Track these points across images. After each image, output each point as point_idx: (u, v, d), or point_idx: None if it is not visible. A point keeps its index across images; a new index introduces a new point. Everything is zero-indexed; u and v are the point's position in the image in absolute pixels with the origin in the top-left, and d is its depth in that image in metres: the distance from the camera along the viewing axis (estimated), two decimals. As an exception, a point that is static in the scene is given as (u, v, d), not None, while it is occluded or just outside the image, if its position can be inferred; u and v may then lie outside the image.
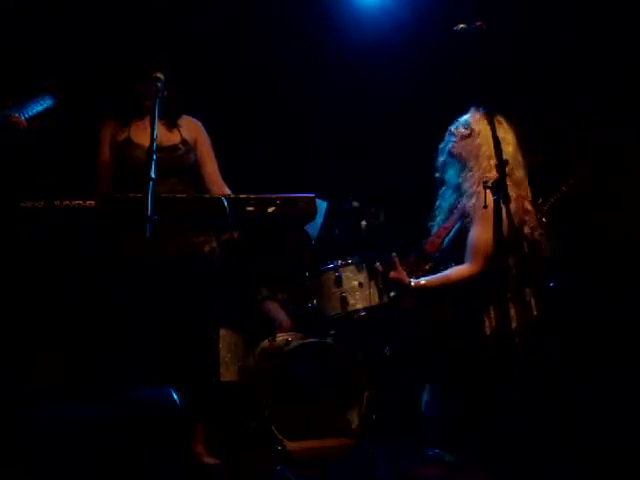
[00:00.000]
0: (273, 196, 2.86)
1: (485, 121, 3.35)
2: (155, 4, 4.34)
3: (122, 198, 2.82)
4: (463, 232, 3.42)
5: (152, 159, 2.74)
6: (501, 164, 2.90)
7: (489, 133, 3.03)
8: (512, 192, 3.16)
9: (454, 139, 3.53)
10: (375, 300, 3.78)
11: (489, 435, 3.16)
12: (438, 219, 3.64)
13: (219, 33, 4.62)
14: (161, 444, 2.53)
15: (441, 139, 3.66)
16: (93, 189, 3.37)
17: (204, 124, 3.59)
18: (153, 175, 2.69)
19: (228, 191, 3.46)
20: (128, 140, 3.39)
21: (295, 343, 3.82)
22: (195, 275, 3.36)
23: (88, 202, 2.77)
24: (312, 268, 3.96)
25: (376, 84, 4.74)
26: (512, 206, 2.96)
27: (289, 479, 3.23)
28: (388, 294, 3.64)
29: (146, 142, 3.19)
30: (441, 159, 3.60)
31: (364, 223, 3.66)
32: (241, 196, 2.86)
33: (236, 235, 3.17)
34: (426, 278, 3.43)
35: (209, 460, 3.41)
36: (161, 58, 3.32)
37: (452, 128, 3.57)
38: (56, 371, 3.52)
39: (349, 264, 3.85)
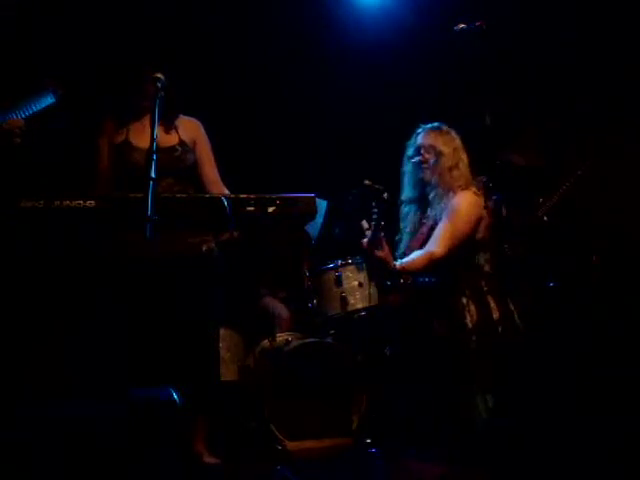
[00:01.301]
0: (273, 196, 2.85)
1: (444, 137, 3.75)
2: (155, 4, 4.34)
3: (122, 198, 2.82)
4: None
5: (152, 159, 2.74)
6: (501, 164, 2.95)
7: (450, 148, 3.66)
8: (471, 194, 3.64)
9: (425, 166, 3.77)
10: (375, 300, 3.78)
11: (488, 434, 3.17)
12: (405, 231, 3.89)
13: (219, 33, 4.62)
14: (161, 444, 2.53)
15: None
16: (92, 191, 3.37)
17: (204, 124, 3.58)
18: (153, 175, 2.69)
19: (227, 191, 3.46)
20: (126, 142, 3.39)
21: (295, 343, 3.82)
22: (195, 275, 3.36)
23: (88, 202, 2.77)
24: (312, 268, 3.96)
25: (376, 84, 4.74)
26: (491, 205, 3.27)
27: (289, 479, 3.23)
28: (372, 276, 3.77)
29: (144, 144, 3.20)
30: (408, 183, 3.88)
31: (364, 223, 3.65)
32: (241, 196, 2.85)
33: (236, 235, 3.16)
34: (405, 260, 3.65)
35: (209, 460, 3.41)
36: (160, 58, 3.32)
37: (410, 153, 3.85)
38: (56, 371, 3.52)
39: (349, 264, 3.86)
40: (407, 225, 3.88)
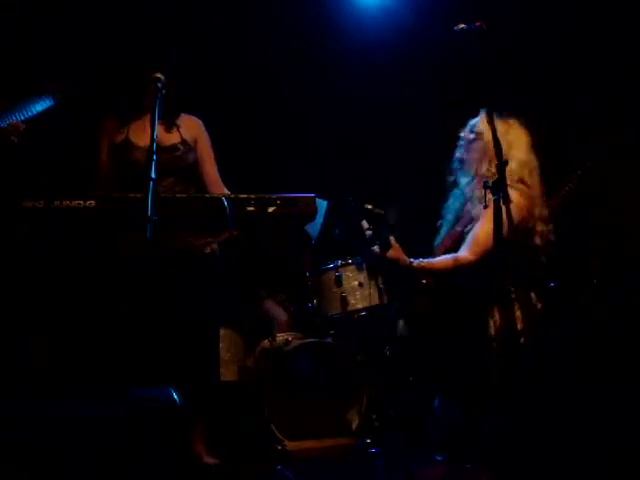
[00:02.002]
0: (273, 196, 2.86)
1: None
2: (155, 4, 4.34)
3: (122, 198, 2.82)
4: None
5: (152, 159, 2.74)
6: (500, 165, 2.89)
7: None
8: (515, 194, 3.20)
9: (462, 144, 3.53)
10: (375, 300, 3.78)
11: (490, 435, 3.16)
12: (447, 218, 3.62)
13: (219, 33, 4.62)
14: (161, 444, 2.53)
15: (440, 139, 3.67)
16: (92, 189, 3.37)
17: (204, 124, 3.59)
18: (153, 175, 2.69)
19: (227, 191, 3.46)
20: (127, 141, 3.39)
21: (295, 343, 3.82)
22: (195, 275, 3.36)
23: (88, 202, 2.77)
24: (312, 268, 3.97)
25: (376, 84, 4.74)
26: (513, 208, 2.91)
27: (289, 479, 3.23)
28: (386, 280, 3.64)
29: (145, 143, 3.20)
30: (453, 165, 3.58)
31: (364, 223, 3.66)
32: (241, 196, 2.86)
33: (236, 235, 3.16)
34: (427, 260, 3.41)
35: (209, 460, 3.41)
36: (161, 58, 3.31)
37: (461, 133, 3.55)
38: (56, 371, 3.52)
39: (349, 264, 3.86)
40: (449, 212, 3.60)
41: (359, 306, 3.80)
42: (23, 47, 3.92)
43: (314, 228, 3.95)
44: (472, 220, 3.42)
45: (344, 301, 3.80)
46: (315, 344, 3.83)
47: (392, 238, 3.42)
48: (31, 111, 3.22)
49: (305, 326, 4.05)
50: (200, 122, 3.55)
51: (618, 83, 4.38)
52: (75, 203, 2.75)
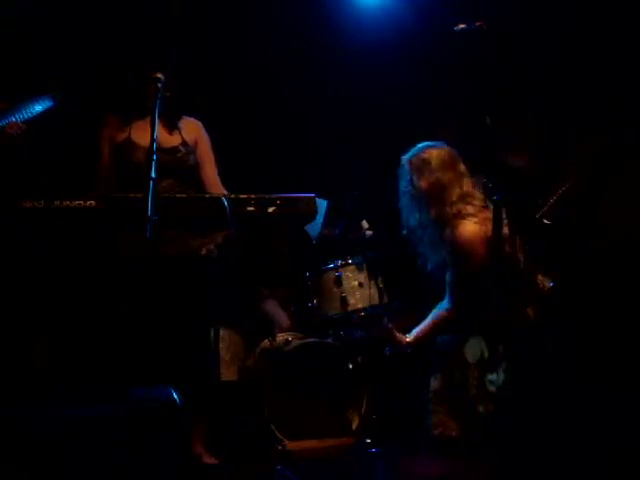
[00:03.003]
0: (273, 196, 2.86)
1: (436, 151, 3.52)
2: (155, 4, 4.34)
3: (122, 198, 2.82)
4: None
5: (152, 159, 2.74)
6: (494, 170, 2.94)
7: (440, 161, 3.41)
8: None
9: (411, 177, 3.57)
10: (375, 300, 3.78)
11: (489, 432, 3.17)
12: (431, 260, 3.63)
13: (219, 33, 4.62)
14: (161, 444, 2.53)
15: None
16: (92, 189, 3.37)
17: (204, 124, 3.59)
18: (153, 175, 2.69)
19: (226, 193, 3.46)
20: (128, 141, 3.39)
21: (295, 343, 3.81)
22: (195, 275, 3.36)
23: (88, 202, 2.77)
24: (312, 268, 3.96)
25: (376, 84, 4.73)
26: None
27: (289, 479, 3.23)
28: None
29: (146, 143, 3.18)
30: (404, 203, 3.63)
31: (364, 223, 3.66)
32: (241, 196, 2.86)
33: (236, 235, 3.17)
34: (417, 330, 3.60)
35: (209, 460, 3.42)
36: (161, 58, 3.31)
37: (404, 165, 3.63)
38: (55, 371, 3.52)
39: (349, 264, 3.86)
40: (426, 247, 3.58)
41: (359, 306, 3.79)
42: (23, 47, 3.92)
43: (314, 228, 3.96)
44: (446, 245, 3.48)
45: (344, 301, 3.80)
46: (315, 344, 3.83)
47: (385, 320, 3.62)
48: (31, 112, 3.22)
49: (305, 326, 4.05)
50: (200, 124, 3.56)
51: (618, 83, 4.38)
52: (75, 203, 2.76)
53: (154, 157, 2.74)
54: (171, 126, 3.45)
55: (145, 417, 2.52)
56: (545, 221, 3.95)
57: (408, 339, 3.59)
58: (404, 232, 3.64)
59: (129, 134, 3.40)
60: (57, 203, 2.74)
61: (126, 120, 3.43)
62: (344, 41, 4.67)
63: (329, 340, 3.88)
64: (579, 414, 3.30)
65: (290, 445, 3.57)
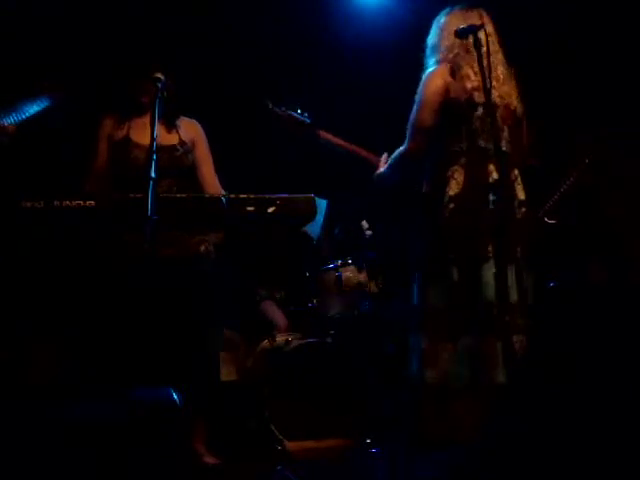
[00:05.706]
0: (273, 196, 2.85)
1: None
2: (155, 4, 4.34)
3: (122, 198, 2.82)
4: None
5: (152, 159, 2.73)
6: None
7: None
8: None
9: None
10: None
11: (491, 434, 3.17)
12: None
13: (219, 33, 4.62)
14: (161, 444, 2.53)
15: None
16: (86, 186, 3.35)
17: (203, 124, 3.58)
18: (153, 174, 2.69)
19: (224, 193, 3.46)
20: (127, 139, 3.38)
21: (295, 343, 3.82)
22: (195, 275, 3.36)
23: (88, 202, 2.77)
24: (312, 268, 3.97)
25: (376, 84, 4.74)
26: None
27: (289, 479, 3.23)
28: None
29: (145, 141, 3.19)
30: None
31: (364, 223, 3.66)
32: (241, 196, 2.86)
33: (235, 235, 3.17)
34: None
35: (209, 460, 3.41)
36: (161, 58, 3.31)
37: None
38: (55, 371, 3.52)
39: (349, 264, 3.86)
40: None
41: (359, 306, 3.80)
42: (22, 47, 3.92)
43: (314, 228, 3.96)
44: None
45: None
46: (315, 344, 3.83)
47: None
48: (27, 112, 3.21)
49: (305, 326, 4.05)
50: (199, 125, 3.56)
51: (618, 83, 4.38)
52: (75, 203, 2.75)
53: (154, 157, 2.74)
54: (169, 125, 3.44)
55: (145, 417, 2.52)
56: (547, 220, 3.96)
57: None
58: None
59: (127, 132, 3.39)
60: (57, 203, 2.74)
61: (124, 118, 3.42)
62: (344, 41, 4.68)
63: (329, 340, 3.88)
64: (578, 415, 3.31)
65: (290, 445, 3.57)
